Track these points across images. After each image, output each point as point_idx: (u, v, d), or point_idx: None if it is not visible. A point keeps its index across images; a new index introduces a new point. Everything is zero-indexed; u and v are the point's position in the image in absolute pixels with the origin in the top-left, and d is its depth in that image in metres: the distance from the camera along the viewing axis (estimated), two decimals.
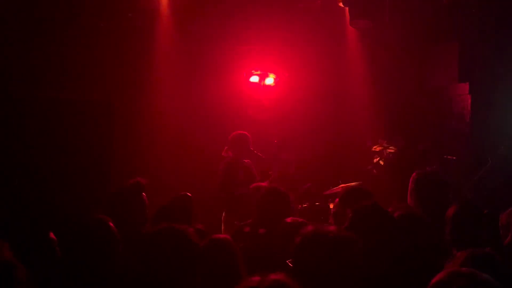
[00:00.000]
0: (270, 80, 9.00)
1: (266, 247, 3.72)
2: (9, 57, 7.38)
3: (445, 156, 7.34)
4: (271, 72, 8.96)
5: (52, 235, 3.43)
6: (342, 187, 7.84)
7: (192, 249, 2.48)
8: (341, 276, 2.31)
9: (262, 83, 8.99)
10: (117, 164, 6.45)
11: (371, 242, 2.77)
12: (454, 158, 7.50)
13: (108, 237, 3.02)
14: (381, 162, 8.84)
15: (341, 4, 8.04)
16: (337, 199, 5.11)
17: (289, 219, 3.85)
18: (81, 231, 3.04)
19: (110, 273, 2.91)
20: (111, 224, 3.10)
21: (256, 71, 8.92)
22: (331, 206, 7.71)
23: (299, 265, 2.36)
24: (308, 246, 2.38)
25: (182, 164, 8.26)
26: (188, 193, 5.31)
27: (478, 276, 1.80)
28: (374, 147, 8.91)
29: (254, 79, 8.96)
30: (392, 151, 8.74)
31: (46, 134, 5.15)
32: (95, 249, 2.94)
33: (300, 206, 7.22)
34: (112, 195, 4.11)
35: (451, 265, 2.51)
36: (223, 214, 6.68)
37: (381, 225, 2.92)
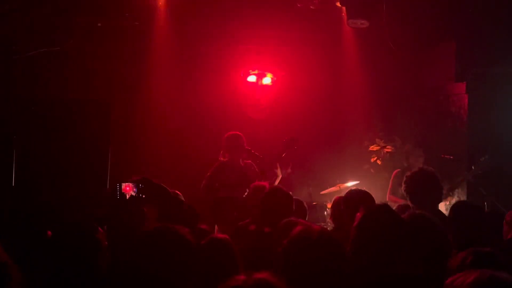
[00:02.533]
0: (267, 80, 9.01)
1: (269, 246, 3.72)
2: (7, 58, 7.39)
3: (442, 155, 7.35)
4: (268, 71, 8.96)
5: (49, 234, 3.43)
6: (339, 186, 7.87)
7: (188, 249, 2.49)
8: (325, 276, 2.37)
9: (259, 83, 9.00)
10: (114, 163, 6.46)
11: (381, 243, 2.80)
12: (451, 157, 7.51)
13: (92, 242, 3.02)
14: (379, 162, 8.86)
15: (338, 4, 8.04)
16: (334, 199, 5.14)
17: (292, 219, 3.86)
18: (64, 235, 3.06)
19: (95, 275, 2.93)
20: (99, 228, 3.12)
21: (254, 70, 8.93)
22: (329, 205, 7.74)
23: (286, 266, 2.39)
24: (293, 247, 2.45)
25: (179, 164, 8.25)
26: (177, 191, 5.32)
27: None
28: (372, 146, 8.93)
29: (252, 78, 8.96)
30: (389, 150, 8.76)
31: (43, 133, 5.15)
32: (77, 253, 2.95)
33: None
34: (108, 194, 4.12)
35: (453, 264, 2.54)
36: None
37: (390, 226, 2.93)
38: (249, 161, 6.85)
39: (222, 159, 6.77)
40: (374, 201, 4.27)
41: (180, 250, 2.46)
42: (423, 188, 4.38)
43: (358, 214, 3.00)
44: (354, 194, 4.37)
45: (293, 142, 6.79)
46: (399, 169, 7.14)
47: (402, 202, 6.74)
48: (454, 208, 3.79)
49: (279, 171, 6.77)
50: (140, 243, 2.52)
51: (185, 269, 2.45)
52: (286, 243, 2.49)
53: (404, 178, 4.59)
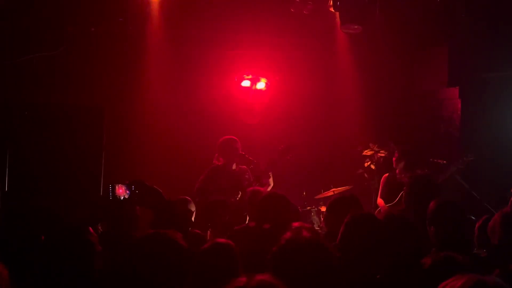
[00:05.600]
0: (261, 85, 9.03)
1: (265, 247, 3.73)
2: (0, 63, 7.38)
3: (435, 160, 7.37)
4: (262, 76, 8.98)
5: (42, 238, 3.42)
6: (333, 191, 7.88)
7: (181, 254, 2.50)
8: (314, 283, 2.39)
9: (253, 88, 9.01)
10: (108, 168, 6.46)
11: (363, 249, 2.86)
12: (444, 162, 7.54)
13: (85, 245, 3.02)
14: (372, 166, 8.88)
15: (331, 9, 8.07)
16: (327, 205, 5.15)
17: (296, 224, 3.88)
18: (57, 238, 3.05)
19: (88, 279, 2.92)
20: (91, 230, 3.13)
21: (248, 75, 8.94)
22: (322, 209, 7.76)
23: (276, 273, 2.42)
24: (282, 254, 2.48)
25: (174, 169, 8.25)
26: (188, 197, 5.34)
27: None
28: (365, 151, 8.95)
29: (246, 83, 8.98)
30: (382, 155, 8.78)
31: (37, 138, 5.15)
32: (71, 256, 2.94)
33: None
34: (102, 198, 4.11)
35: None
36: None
37: (373, 234, 2.98)
38: (244, 166, 6.86)
39: (216, 162, 6.78)
40: (359, 205, 4.25)
41: (173, 256, 2.47)
42: (423, 194, 4.40)
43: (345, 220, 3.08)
44: (337, 201, 4.35)
45: (288, 151, 6.80)
46: (388, 174, 7.18)
47: (386, 208, 6.78)
48: (435, 207, 3.81)
49: (271, 180, 6.77)
50: (133, 248, 2.53)
51: (178, 274, 2.46)
52: (275, 250, 2.51)
53: (406, 184, 4.61)
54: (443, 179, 6.81)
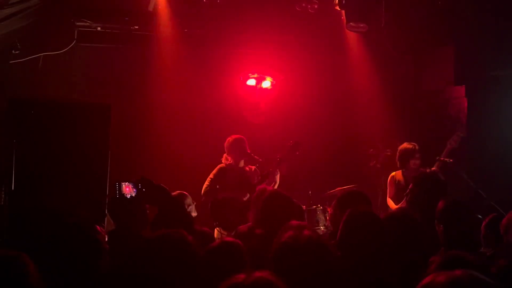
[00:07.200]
0: (267, 83, 9.02)
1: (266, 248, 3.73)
2: (7, 61, 7.41)
3: (442, 159, 7.35)
4: (267, 75, 8.98)
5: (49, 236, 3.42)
6: (339, 189, 7.87)
7: (189, 254, 2.50)
8: (314, 281, 2.39)
9: (259, 86, 9.01)
10: (114, 167, 6.47)
11: (362, 248, 2.86)
12: (451, 160, 7.51)
13: (92, 243, 3.02)
14: (378, 165, 8.86)
15: (337, 7, 8.06)
16: (334, 202, 5.14)
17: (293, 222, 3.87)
18: (64, 236, 3.06)
19: (95, 277, 2.92)
20: (98, 228, 3.13)
21: (253, 74, 8.94)
22: (328, 209, 7.74)
23: (276, 272, 2.42)
24: (282, 253, 2.49)
25: (179, 167, 8.26)
26: (185, 192, 5.33)
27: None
28: (371, 150, 8.93)
29: (251, 82, 8.98)
30: (388, 154, 8.76)
31: (43, 136, 5.16)
32: (77, 254, 2.95)
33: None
34: (112, 197, 4.12)
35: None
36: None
37: (372, 231, 2.97)
38: (253, 166, 6.89)
39: (224, 161, 6.80)
40: (368, 201, 4.25)
41: (181, 256, 2.47)
42: (432, 192, 4.39)
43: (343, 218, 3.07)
44: (346, 195, 4.34)
45: (297, 146, 6.81)
46: (394, 173, 7.17)
47: (394, 207, 6.77)
48: (444, 206, 3.82)
49: (278, 177, 6.78)
50: (142, 248, 2.53)
51: (186, 274, 2.46)
52: (274, 249, 2.50)
53: (414, 182, 4.60)
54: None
